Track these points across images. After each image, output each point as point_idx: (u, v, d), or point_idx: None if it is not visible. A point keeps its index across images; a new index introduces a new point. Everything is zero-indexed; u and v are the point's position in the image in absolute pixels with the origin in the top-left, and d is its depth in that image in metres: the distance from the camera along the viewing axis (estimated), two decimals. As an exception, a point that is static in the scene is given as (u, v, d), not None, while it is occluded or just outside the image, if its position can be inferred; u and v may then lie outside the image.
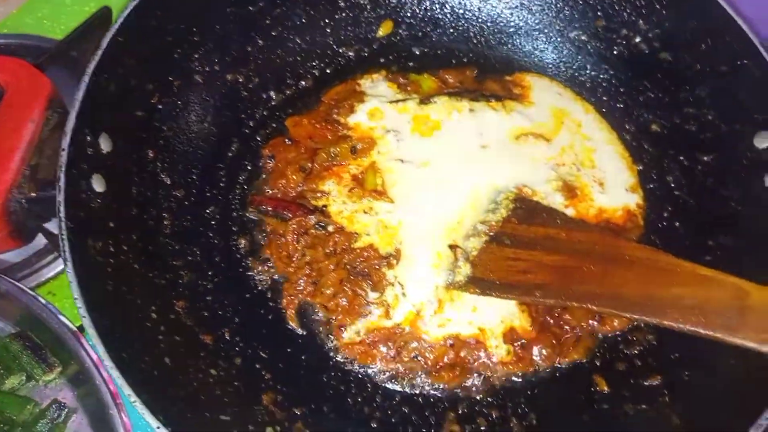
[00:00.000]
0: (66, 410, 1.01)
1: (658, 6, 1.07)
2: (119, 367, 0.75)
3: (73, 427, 1.02)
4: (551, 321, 1.00)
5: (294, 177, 1.10)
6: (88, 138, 0.88)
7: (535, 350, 0.98)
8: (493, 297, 0.98)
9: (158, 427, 0.72)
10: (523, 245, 0.98)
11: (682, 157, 1.07)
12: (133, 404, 0.73)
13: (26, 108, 0.92)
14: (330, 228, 1.05)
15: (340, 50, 1.21)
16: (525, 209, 1.02)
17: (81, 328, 1.01)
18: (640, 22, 1.10)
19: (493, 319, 0.99)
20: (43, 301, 1.02)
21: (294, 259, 1.05)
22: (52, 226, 1.05)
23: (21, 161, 0.88)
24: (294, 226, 1.04)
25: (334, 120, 1.14)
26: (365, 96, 1.16)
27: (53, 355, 1.02)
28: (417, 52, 1.22)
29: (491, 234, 1.02)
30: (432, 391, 0.97)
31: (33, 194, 0.88)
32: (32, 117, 0.91)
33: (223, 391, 0.89)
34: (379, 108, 1.13)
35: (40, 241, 1.10)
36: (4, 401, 0.98)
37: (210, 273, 1.02)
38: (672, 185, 1.08)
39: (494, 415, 0.95)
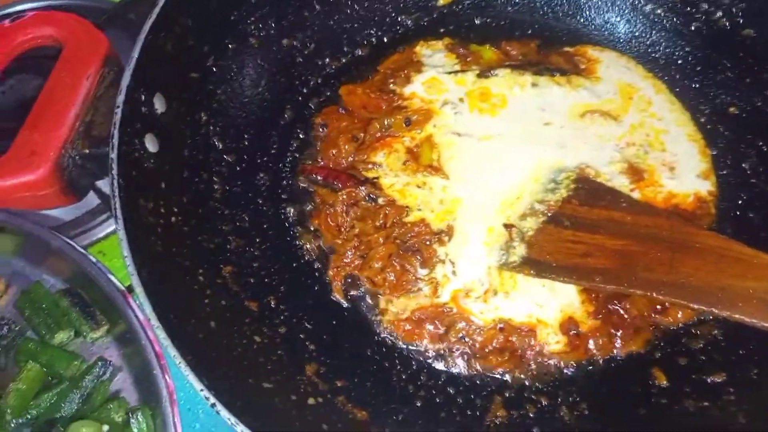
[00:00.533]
0: (111, 368, 1.02)
1: (744, -23, 0.99)
2: (165, 327, 0.74)
3: (117, 385, 1.03)
4: (610, 309, 0.95)
5: (346, 147, 1.07)
6: (143, 97, 0.88)
7: (591, 340, 0.94)
8: (549, 279, 0.93)
9: (201, 390, 0.71)
10: (583, 227, 0.93)
11: (761, 143, 1.00)
12: (178, 365, 0.72)
13: (83, 64, 0.91)
14: (380, 200, 1.02)
15: (399, 18, 1.17)
16: (587, 190, 0.97)
17: (129, 288, 1.01)
18: (723, -6, 1.02)
19: (550, 307, 0.95)
20: (93, 259, 1.03)
21: (343, 230, 1.02)
22: (104, 185, 1.05)
23: (76, 117, 0.88)
24: (344, 196, 1.02)
25: (390, 90, 1.11)
26: (423, 66, 1.12)
27: (101, 313, 1.03)
28: (478, 22, 1.17)
29: (549, 214, 0.97)
30: (479, 374, 0.94)
31: (86, 150, 0.88)
32: (88, 73, 0.91)
33: (267, 359, 0.87)
34: (437, 78, 1.09)
35: (93, 200, 1.11)
36: (53, 355, 0.99)
37: (258, 240, 1.00)
38: (748, 172, 1.01)
39: (543, 403, 0.91)
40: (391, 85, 1.11)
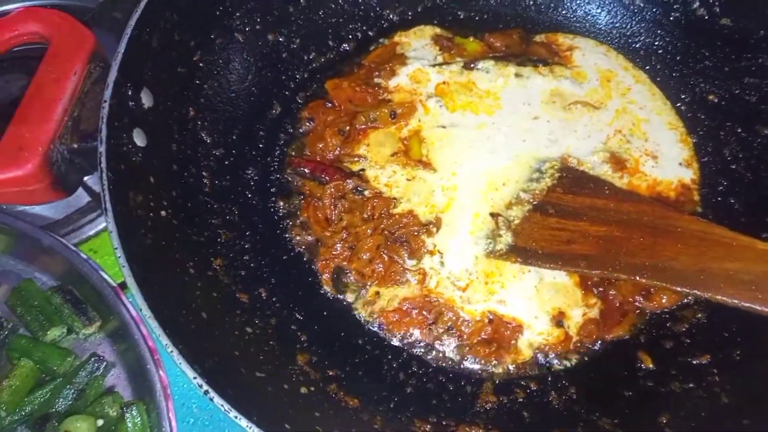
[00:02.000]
0: (105, 364, 1.02)
1: (721, -32, 1.01)
2: (157, 318, 0.74)
3: (111, 381, 1.03)
4: (596, 294, 0.96)
5: (332, 140, 1.08)
6: (130, 92, 0.88)
7: (579, 328, 0.95)
8: (535, 267, 0.95)
9: (195, 378, 0.72)
10: (568, 215, 0.95)
11: (740, 129, 1.02)
12: (170, 354, 0.73)
13: (70, 60, 0.92)
14: (367, 193, 1.03)
15: (384, 12, 1.18)
16: (571, 178, 0.99)
17: (122, 285, 1.02)
18: (701, -15, 1.04)
19: (538, 300, 0.97)
20: (84, 256, 1.03)
21: (331, 223, 1.03)
22: (93, 183, 1.05)
23: (63, 112, 0.89)
24: (331, 189, 1.03)
25: (375, 83, 1.12)
26: (407, 59, 1.13)
27: (93, 309, 1.04)
28: (462, 16, 1.18)
29: (535, 203, 0.98)
30: (468, 363, 0.95)
31: (75, 145, 0.88)
32: (75, 69, 0.91)
33: (259, 349, 0.88)
34: (421, 70, 1.10)
35: (83, 198, 1.11)
36: (46, 352, 1.00)
37: (248, 233, 1.01)
38: (728, 159, 1.03)
39: (533, 387, 0.93)
40: (376, 79, 1.12)
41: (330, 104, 1.12)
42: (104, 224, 1.11)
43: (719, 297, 0.81)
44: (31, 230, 1.04)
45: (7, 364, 1.00)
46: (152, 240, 0.85)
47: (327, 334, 0.95)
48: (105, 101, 0.84)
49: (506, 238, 0.97)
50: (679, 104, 1.08)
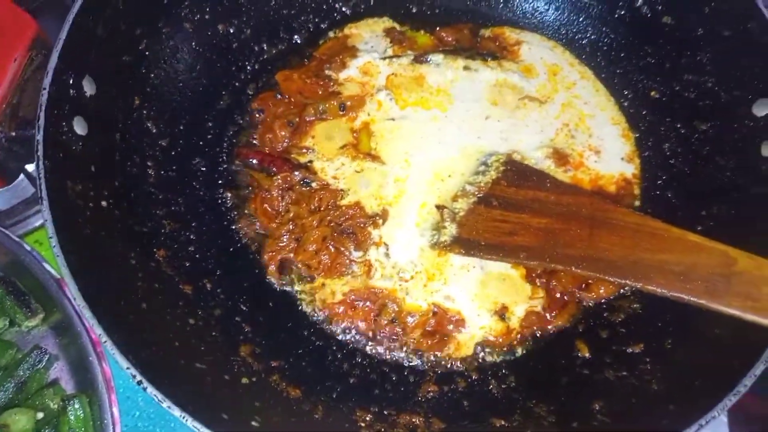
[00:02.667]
0: (48, 356, 1.01)
1: (662, -32, 1.03)
2: (92, 307, 0.74)
3: (54, 374, 1.02)
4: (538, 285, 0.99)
5: (281, 132, 1.08)
6: (71, 80, 0.87)
7: (521, 320, 0.97)
8: (478, 258, 0.96)
9: (128, 368, 0.72)
10: (511, 207, 0.97)
11: (679, 125, 1.05)
12: (104, 344, 0.72)
13: (9, 47, 0.90)
14: (314, 185, 1.04)
15: (336, 5, 1.18)
16: (515, 171, 1.00)
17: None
18: (644, -17, 1.06)
19: (481, 294, 0.98)
20: (28, 247, 1.01)
21: (278, 214, 1.03)
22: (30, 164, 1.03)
23: (2, 99, 0.87)
24: (279, 181, 1.03)
25: (325, 75, 1.12)
26: (358, 51, 1.14)
27: (36, 301, 1.02)
28: (414, 10, 1.19)
29: (479, 195, 1.00)
30: (411, 354, 0.97)
31: (13, 133, 0.87)
32: (15, 56, 0.89)
33: (200, 340, 0.88)
34: (372, 63, 1.11)
35: (29, 189, 1.09)
36: (-14, 344, 0.98)
37: (193, 224, 1.01)
38: (667, 153, 1.05)
39: (473, 377, 0.94)
40: (327, 71, 1.12)
41: (280, 96, 1.12)
42: (50, 215, 1.10)
43: (651, 287, 0.84)
44: (-27, 221, 1.02)
45: (-55, 358, 0.99)
46: (91, 230, 0.84)
47: (271, 326, 0.96)
48: (44, 89, 0.82)
49: (451, 230, 0.98)
50: (622, 100, 1.11)
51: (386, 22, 1.18)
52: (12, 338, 1.03)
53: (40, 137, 0.81)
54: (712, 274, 0.80)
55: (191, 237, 0.99)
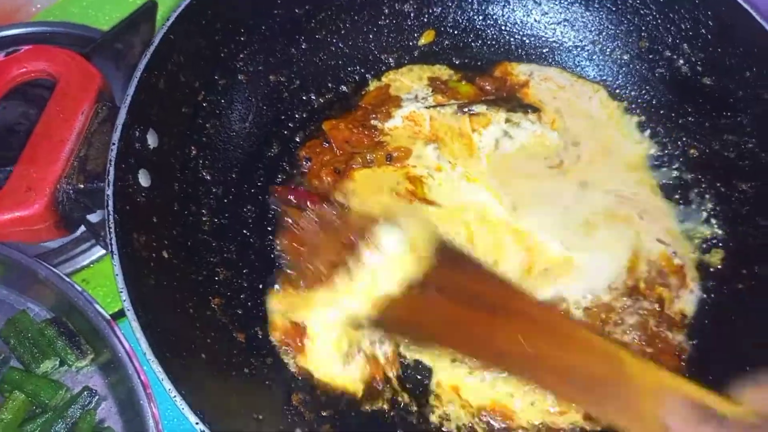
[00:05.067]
0: (96, 397, 1.03)
1: (703, 30, 1.07)
2: (161, 362, 0.76)
3: (101, 414, 1.04)
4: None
5: (328, 179, 1.11)
6: (137, 133, 0.90)
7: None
8: None
9: (197, 423, 0.73)
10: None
11: (718, 184, 1.07)
12: (173, 399, 0.74)
13: (77, 100, 0.93)
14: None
15: (381, 56, 1.21)
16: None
17: (114, 317, 1.03)
18: (684, 45, 1.10)
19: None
20: (79, 288, 1.04)
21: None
22: (92, 215, 1.06)
23: (71, 152, 0.90)
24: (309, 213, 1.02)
25: (372, 125, 1.15)
26: (402, 101, 1.17)
27: (86, 342, 1.04)
28: (457, 62, 1.22)
29: None
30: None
31: (81, 185, 0.90)
32: (83, 109, 0.93)
33: (255, 389, 0.90)
34: (416, 112, 1.14)
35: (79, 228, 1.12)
36: (38, 384, 1.00)
37: (245, 271, 1.03)
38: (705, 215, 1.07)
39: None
40: (373, 121, 1.16)
41: (327, 144, 1.15)
42: (98, 255, 1.13)
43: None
44: (27, 261, 1.04)
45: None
46: (155, 281, 0.87)
47: (321, 374, 0.97)
48: (113, 143, 0.85)
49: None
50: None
51: (428, 71, 1.21)
52: (61, 378, 1.05)
53: (110, 191, 0.84)
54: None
55: (243, 284, 1.01)
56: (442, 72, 1.22)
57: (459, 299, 0.88)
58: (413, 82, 1.21)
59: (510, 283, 0.94)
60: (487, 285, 0.91)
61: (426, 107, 1.16)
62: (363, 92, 1.20)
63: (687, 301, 1.02)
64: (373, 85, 1.21)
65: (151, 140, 0.93)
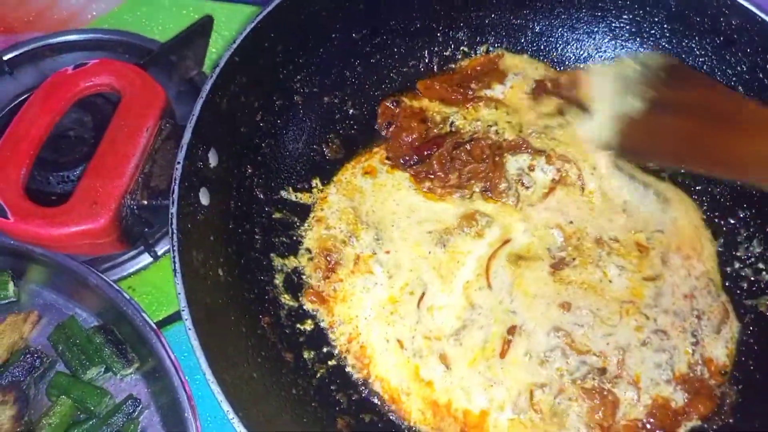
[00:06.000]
0: (140, 406, 1.04)
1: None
2: (219, 383, 0.77)
3: (143, 422, 1.05)
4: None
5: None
6: (200, 152, 0.92)
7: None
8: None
9: (250, 445, 0.75)
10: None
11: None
12: (231, 420, 0.76)
13: (142, 116, 0.95)
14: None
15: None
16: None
17: (160, 325, 1.04)
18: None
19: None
20: (127, 296, 1.05)
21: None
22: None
23: (135, 168, 0.92)
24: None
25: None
26: (506, 78, 1.20)
27: (132, 350, 1.06)
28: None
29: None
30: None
31: (145, 202, 0.91)
32: (147, 125, 0.94)
33: (303, 411, 0.91)
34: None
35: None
36: (84, 391, 1.02)
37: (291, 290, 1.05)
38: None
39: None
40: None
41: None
42: (145, 262, 1.15)
43: None
44: (76, 266, 1.06)
45: (44, 400, 1.03)
46: (211, 299, 0.89)
47: (364, 402, 0.98)
48: (178, 162, 0.87)
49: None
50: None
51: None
52: (105, 385, 1.07)
53: (174, 210, 0.85)
54: None
55: (291, 303, 1.03)
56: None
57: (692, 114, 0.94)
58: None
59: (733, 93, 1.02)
60: (715, 95, 0.97)
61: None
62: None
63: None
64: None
65: (212, 159, 0.95)
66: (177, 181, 0.86)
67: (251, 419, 0.78)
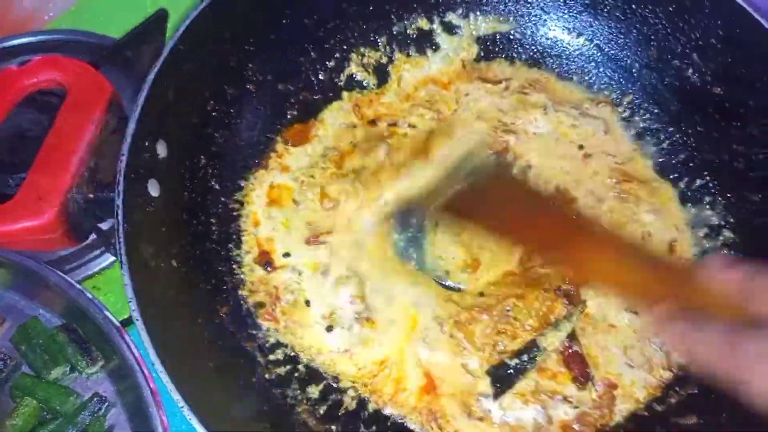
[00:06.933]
0: (106, 404, 1.03)
1: (713, 40, 1.06)
2: (169, 373, 0.76)
3: (110, 420, 1.04)
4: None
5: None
6: (147, 143, 0.91)
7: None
8: None
9: (204, 433, 0.74)
10: None
11: (728, 194, 1.07)
12: (181, 409, 0.75)
13: (87, 110, 0.94)
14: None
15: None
16: None
17: (124, 324, 1.04)
18: (694, 55, 1.09)
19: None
20: (89, 295, 1.04)
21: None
22: (102, 223, 1.07)
23: (81, 162, 0.91)
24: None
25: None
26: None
27: (96, 348, 1.05)
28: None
29: None
30: None
31: (91, 195, 0.91)
32: (93, 119, 0.93)
33: (263, 399, 0.91)
34: None
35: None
36: (49, 391, 1.01)
37: (252, 280, 1.04)
38: (716, 223, 1.07)
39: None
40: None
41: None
42: (108, 261, 1.14)
43: None
44: (38, 267, 1.05)
45: (8, 402, 1.02)
46: (162, 290, 0.88)
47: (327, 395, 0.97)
48: (123, 154, 0.86)
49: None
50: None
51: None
52: (70, 384, 1.06)
53: (119, 201, 0.84)
54: None
55: (249, 292, 1.02)
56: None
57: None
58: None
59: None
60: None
61: None
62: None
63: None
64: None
65: (161, 150, 0.94)
66: (122, 173, 0.85)
67: (204, 409, 0.77)
